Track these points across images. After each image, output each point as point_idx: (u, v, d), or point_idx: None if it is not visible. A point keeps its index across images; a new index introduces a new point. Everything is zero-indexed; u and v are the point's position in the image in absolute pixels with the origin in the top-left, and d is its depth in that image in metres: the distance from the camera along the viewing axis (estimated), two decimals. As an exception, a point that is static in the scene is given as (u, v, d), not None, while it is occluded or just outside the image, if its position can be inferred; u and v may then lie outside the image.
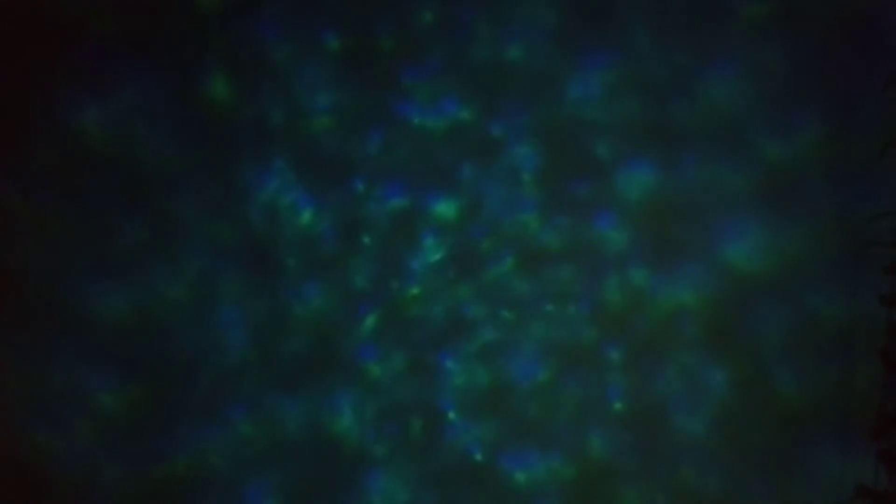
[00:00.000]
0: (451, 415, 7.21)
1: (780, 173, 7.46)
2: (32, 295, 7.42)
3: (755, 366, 7.38)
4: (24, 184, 7.36)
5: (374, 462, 7.12)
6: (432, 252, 7.32)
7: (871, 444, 6.74)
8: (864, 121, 7.40)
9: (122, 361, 7.39)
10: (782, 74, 7.47)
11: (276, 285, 7.25)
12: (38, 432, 7.30)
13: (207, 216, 7.34)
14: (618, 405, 7.42)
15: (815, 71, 7.45)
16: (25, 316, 7.41)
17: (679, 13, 7.48)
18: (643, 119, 7.52)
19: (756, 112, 7.48)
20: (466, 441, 7.22)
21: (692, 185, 7.49)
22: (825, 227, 7.36)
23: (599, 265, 7.44)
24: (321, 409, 7.17)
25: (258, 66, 7.34)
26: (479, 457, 7.22)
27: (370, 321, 7.23)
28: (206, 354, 7.31)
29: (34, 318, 7.41)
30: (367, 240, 7.28)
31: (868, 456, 6.77)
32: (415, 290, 7.27)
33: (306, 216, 7.28)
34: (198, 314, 7.36)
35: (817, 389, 7.31)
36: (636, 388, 7.39)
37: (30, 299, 7.44)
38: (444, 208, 7.43)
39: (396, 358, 7.24)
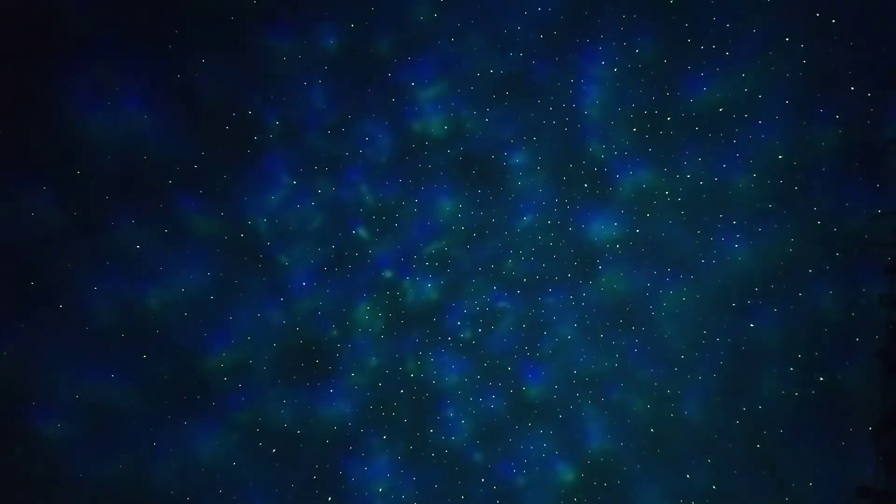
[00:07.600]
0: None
1: (781, 173, 7.46)
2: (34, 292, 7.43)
3: (754, 365, 7.37)
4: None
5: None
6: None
7: (870, 444, 6.74)
8: (866, 121, 7.40)
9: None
10: (784, 75, 7.47)
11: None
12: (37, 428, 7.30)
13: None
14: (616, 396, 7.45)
15: (817, 71, 7.45)
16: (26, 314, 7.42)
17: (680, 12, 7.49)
18: (642, 117, 7.52)
19: (757, 112, 7.47)
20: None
21: (693, 184, 7.49)
22: (825, 227, 7.36)
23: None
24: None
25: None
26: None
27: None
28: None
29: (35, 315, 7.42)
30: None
31: (868, 456, 6.77)
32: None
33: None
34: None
35: (817, 388, 7.30)
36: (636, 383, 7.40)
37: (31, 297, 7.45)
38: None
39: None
